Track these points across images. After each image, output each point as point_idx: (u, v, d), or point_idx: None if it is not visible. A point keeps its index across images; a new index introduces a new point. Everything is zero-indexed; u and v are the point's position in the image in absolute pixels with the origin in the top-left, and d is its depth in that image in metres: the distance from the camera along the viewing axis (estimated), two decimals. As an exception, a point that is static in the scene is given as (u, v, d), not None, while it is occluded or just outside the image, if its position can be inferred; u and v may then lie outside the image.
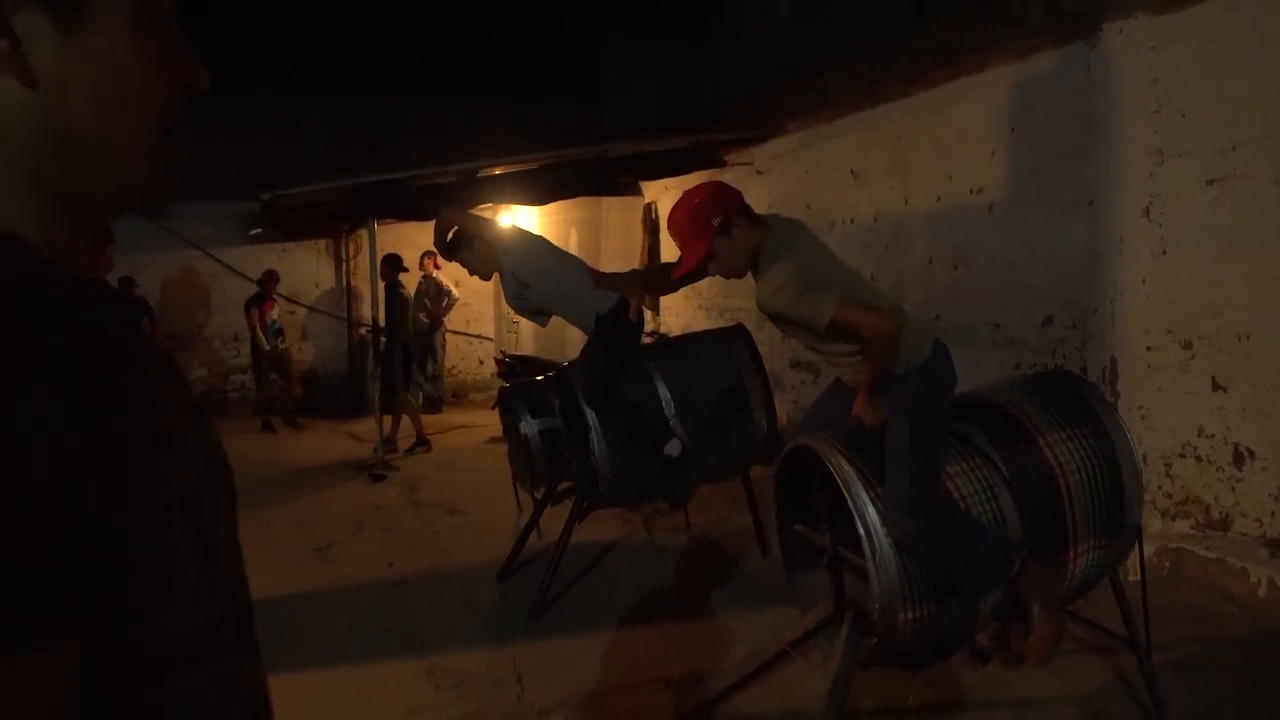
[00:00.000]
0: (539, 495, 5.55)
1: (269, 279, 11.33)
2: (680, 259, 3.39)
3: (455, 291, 11.36)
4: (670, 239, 3.46)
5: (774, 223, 3.39)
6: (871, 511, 2.89)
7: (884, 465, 2.99)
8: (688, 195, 3.37)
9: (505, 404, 5.85)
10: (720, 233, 3.26)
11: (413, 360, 10.18)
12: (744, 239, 3.30)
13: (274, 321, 11.43)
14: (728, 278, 3.41)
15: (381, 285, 9.66)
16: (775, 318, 3.35)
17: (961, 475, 3.06)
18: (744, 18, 10.47)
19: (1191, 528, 5.09)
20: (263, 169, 10.88)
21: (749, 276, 3.39)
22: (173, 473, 0.68)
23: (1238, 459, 4.88)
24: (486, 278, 5.38)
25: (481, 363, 13.77)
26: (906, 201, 7.13)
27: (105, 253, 4.65)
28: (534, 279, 5.06)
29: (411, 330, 10.39)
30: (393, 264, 9.84)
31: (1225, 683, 3.76)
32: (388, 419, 9.43)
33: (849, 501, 2.91)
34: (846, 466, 2.95)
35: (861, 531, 2.89)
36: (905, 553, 2.89)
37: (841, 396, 3.45)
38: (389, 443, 9.56)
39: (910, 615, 2.93)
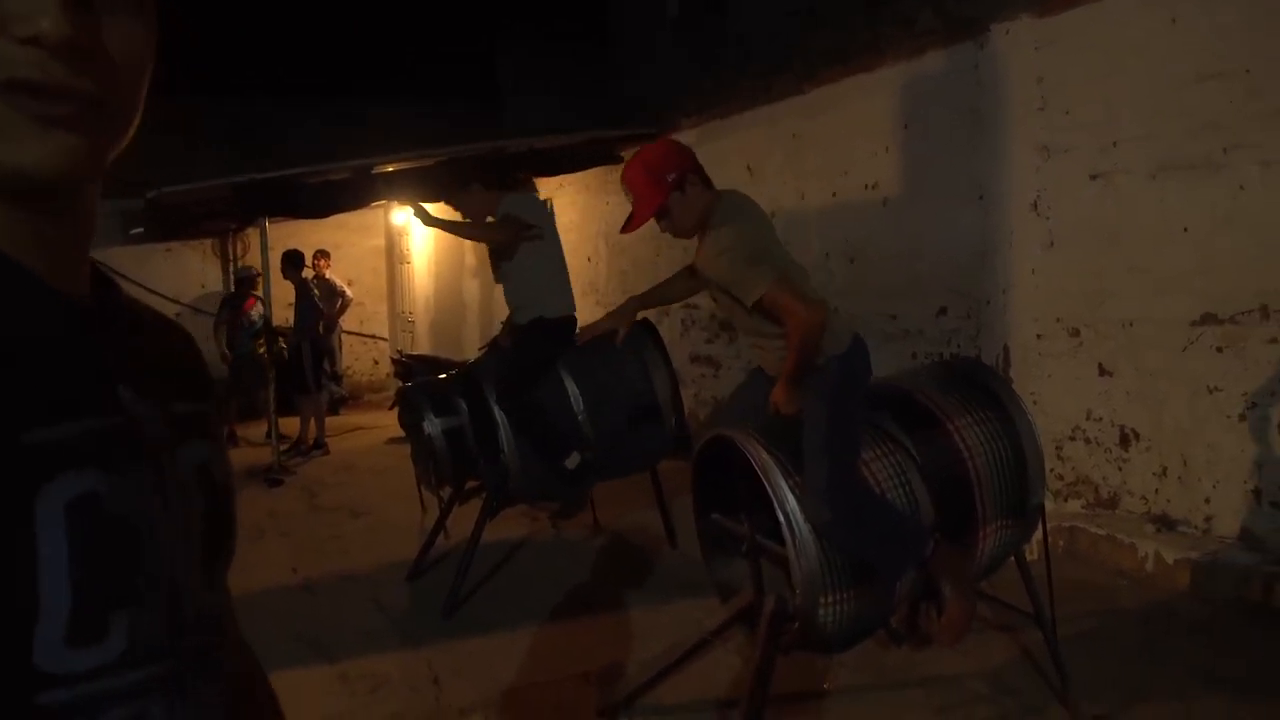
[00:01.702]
0: (445, 495, 5.49)
1: (250, 277, 10.40)
2: (632, 214, 3.39)
3: (349, 292, 11.13)
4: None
5: (726, 193, 3.44)
6: (791, 500, 2.94)
7: (801, 454, 3.04)
8: (643, 150, 3.40)
9: (407, 404, 5.75)
10: (674, 188, 3.28)
11: (322, 360, 9.92)
12: (697, 199, 3.32)
13: (254, 323, 10.17)
14: (676, 236, 3.43)
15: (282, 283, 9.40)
16: (710, 284, 3.38)
17: (876, 461, 3.14)
18: (641, 19, 10.52)
19: (1083, 507, 5.32)
20: (148, 167, 10.48)
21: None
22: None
23: (1124, 440, 5.11)
24: (479, 220, 5.21)
25: (376, 363, 13.55)
26: (803, 197, 7.26)
27: None
28: (516, 251, 4.98)
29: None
30: (294, 261, 9.57)
31: (1120, 652, 3.94)
32: (286, 421, 9.21)
33: (768, 490, 2.96)
34: (765, 456, 3.00)
35: (781, 519, 2.93)
36: (824, 539, 2.95)
37: (761, 386, 3.50)
38: (302, 442, 9.33)
39: (830, 600, 2.99)
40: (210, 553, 0.76)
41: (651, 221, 3.39)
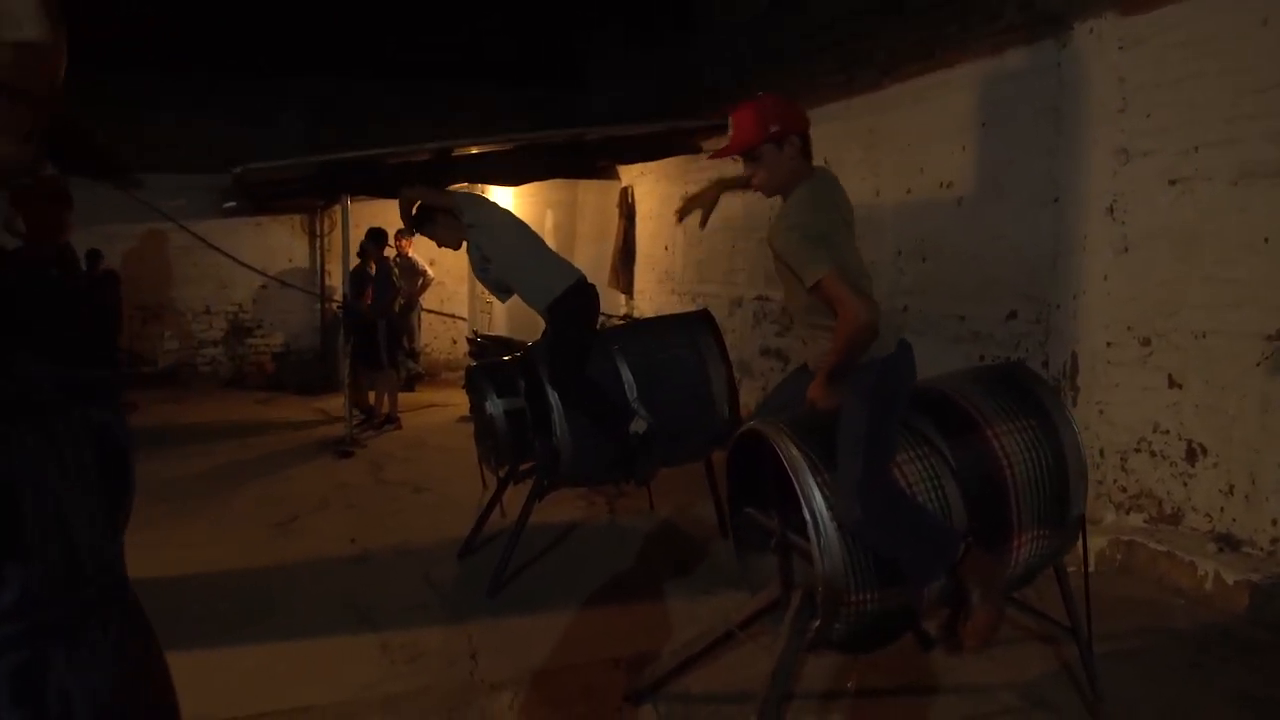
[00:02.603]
0: (503, 474, 5.57)
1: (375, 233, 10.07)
2: (728, 143, 3.40)
3: (430, 271, 11.32)
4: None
5: (820, 169, 3.45)
6: (818, 496, 2.92)
7: (834, 451, 3.02)
8: (762, 95, 3.39)
9: (471, 383, 5.84)
10: (772, 140, 3.29)
11: (400, 337, 10.12)
12: (790, 159, 3.32)
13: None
14: (757, 188, 3.43)
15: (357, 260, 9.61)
16: (775, 257, 3.37)
17: (909, 463, 3.10)
18: (727, 7, 10.48)
19: (1144, 521, 5.17)
20: (239, 144, 10.80)
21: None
22: None
23: (1190, 455, 4.95)
24: (456, 247, 5.42)
25: (455, 342, 13.74)
26: (878, 193, 7.17)
27: (62, 218, 4.61)
28: (493, 252, 5.11)
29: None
30: (376, 239, 9.77)
31: (1164, 672, 3.83)
32: (362, 395, 9.44)
33: (796, 486, 2.95)
34: (795, 451, 2.98)
35: (807, 516, 2.92)
36: (851, 538, 2.93)
37: (803, 382, 3.48)
38: (373, 413, 9.54)
39: (854, 599, 2.97)
40: (108, 508, 0.81)
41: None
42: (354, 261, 9.45)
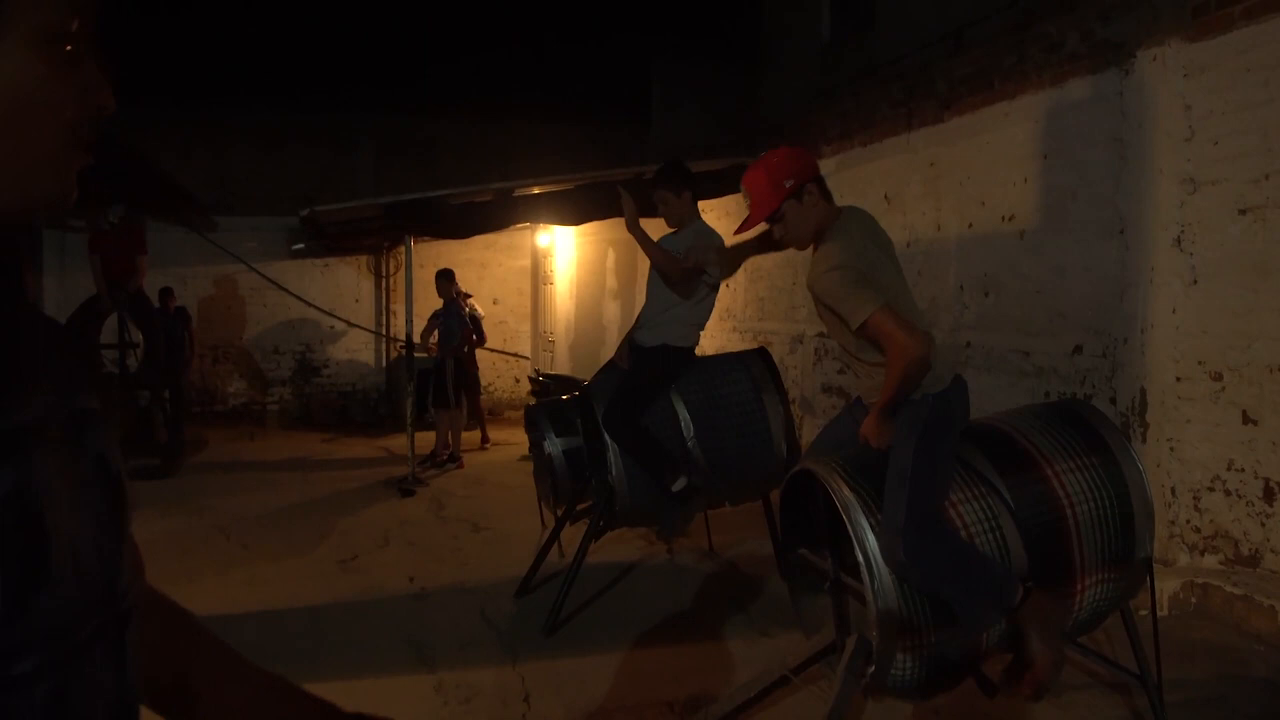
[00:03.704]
0: (560, 513, 5.57)
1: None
2: (748, 216, 3.39)
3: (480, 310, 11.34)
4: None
5: (847, 209, 3.42)
6: (871, 538, 2.86)
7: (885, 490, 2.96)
8: (766, 154, 3.38)
9: (531, 422, 5.88)
10: (791, 195, 3.27)
11: (466, 377, 10.19)
12: (813, 208, 3.31)
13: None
14: (788, 244, 3.42)
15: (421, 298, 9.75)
16: (816, 300, 3.34)
17: (965, 503, 3.02)
18: (789, 41, 10.51)
19: (1220, 563, 4.98)
20: (310, 184, 11.09)
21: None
22: None
23: (1268, 494, 4.77)
24: (677, 222, 5.22)
25: (518, 381, 13.85)
26: (939, 227, 7.08)
27: (136, 263, 4.74)
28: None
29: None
30: (447, 278, 9.88)
31: (1242, 723, 3.67)
32: (422, 434, 9.53)
33: (848, 527, 2.89)
34: (847, 491, 2.93)
35: (860, 558, 2.86)
36: (900, 578, 2.86)
37: (856, 418, 3.43)
38: (438, 454, 9.63)
39: (909, 644, 2.89)
40: (113, 533, 0.82)
41: (789, 250, 3.39)
42: (419, 302, 9.60)
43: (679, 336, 5.08)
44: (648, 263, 5.09)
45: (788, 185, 3.26)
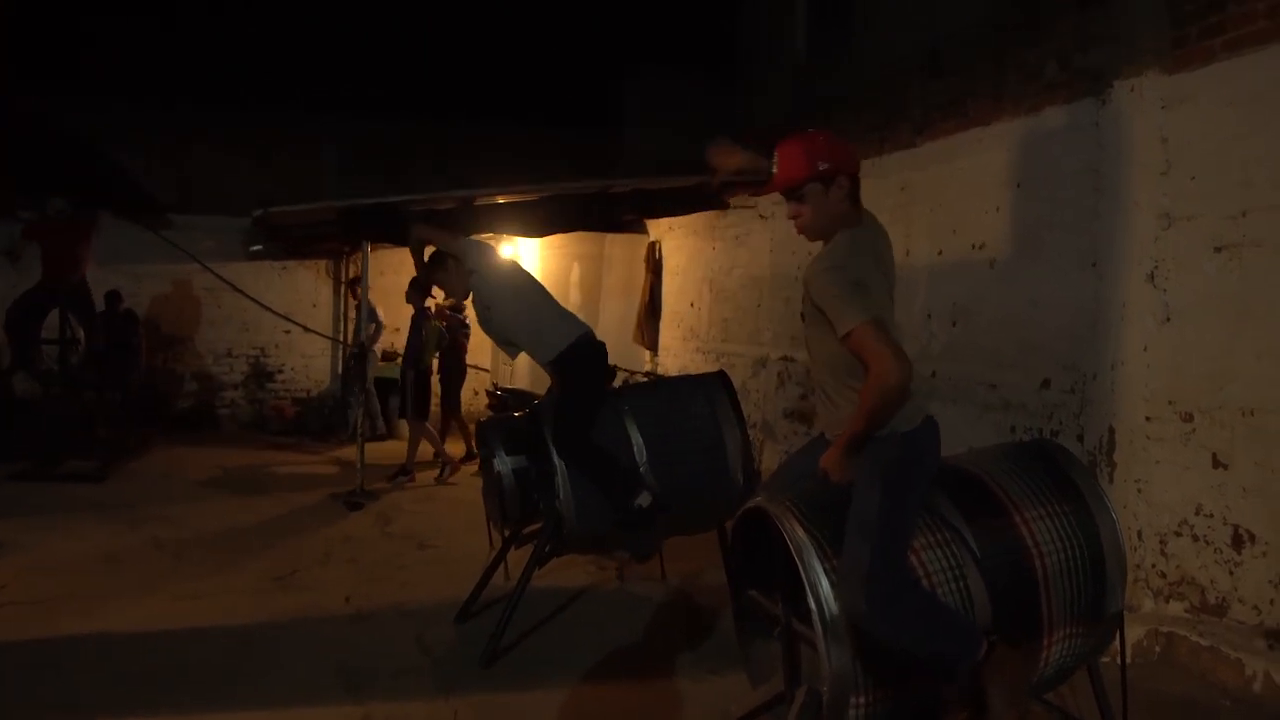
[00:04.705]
0: (508, 534, 5.33)
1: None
2: (773, 178, 3.18)
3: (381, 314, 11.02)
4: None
5: (869, 218, 3.22)
6: (825, 584, 2.66)
7: (844, 533, 2.76)
8: (812, 131, 3.18)
9: (481, 437, 5.63)
10: (820, 178, 3.06)
11: (429, 388, 9.86)
12: (837, 202, 3.10)
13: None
14: (801, 230, 3.20)
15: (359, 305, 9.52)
16: (807, 298, 3.13)
17: (927, 550, 2.83)
18: (763, 58, 10.37)
19: (1185, 611, 4.83)
20: (270, 186, 10.77)
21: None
22: None
23: (1237, 541, 4.62)
24: (463, 297, 5.29)
25: (476, 394, 13.56)
26: (908, 253, 6.92)
27: (78, 254, 4.49)
28: (493, 301, 4.94)
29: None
30: (418, 288, 9.55)
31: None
32: (373, 445, 9.26)
33: (801, 572, 2.68)
34: (801, 533, 2.73)
35: (813, 605, 2.66)
36: (861, 630, 2.66)
37: (817, 453, 3.22)
38: (405, 467, 9.32)
39: (863, 700, 2.69)
40: None
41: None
42: (378, 307, 9.38)
43: (557, 339, 4.91)
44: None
45: (821, 167, 3.05)
